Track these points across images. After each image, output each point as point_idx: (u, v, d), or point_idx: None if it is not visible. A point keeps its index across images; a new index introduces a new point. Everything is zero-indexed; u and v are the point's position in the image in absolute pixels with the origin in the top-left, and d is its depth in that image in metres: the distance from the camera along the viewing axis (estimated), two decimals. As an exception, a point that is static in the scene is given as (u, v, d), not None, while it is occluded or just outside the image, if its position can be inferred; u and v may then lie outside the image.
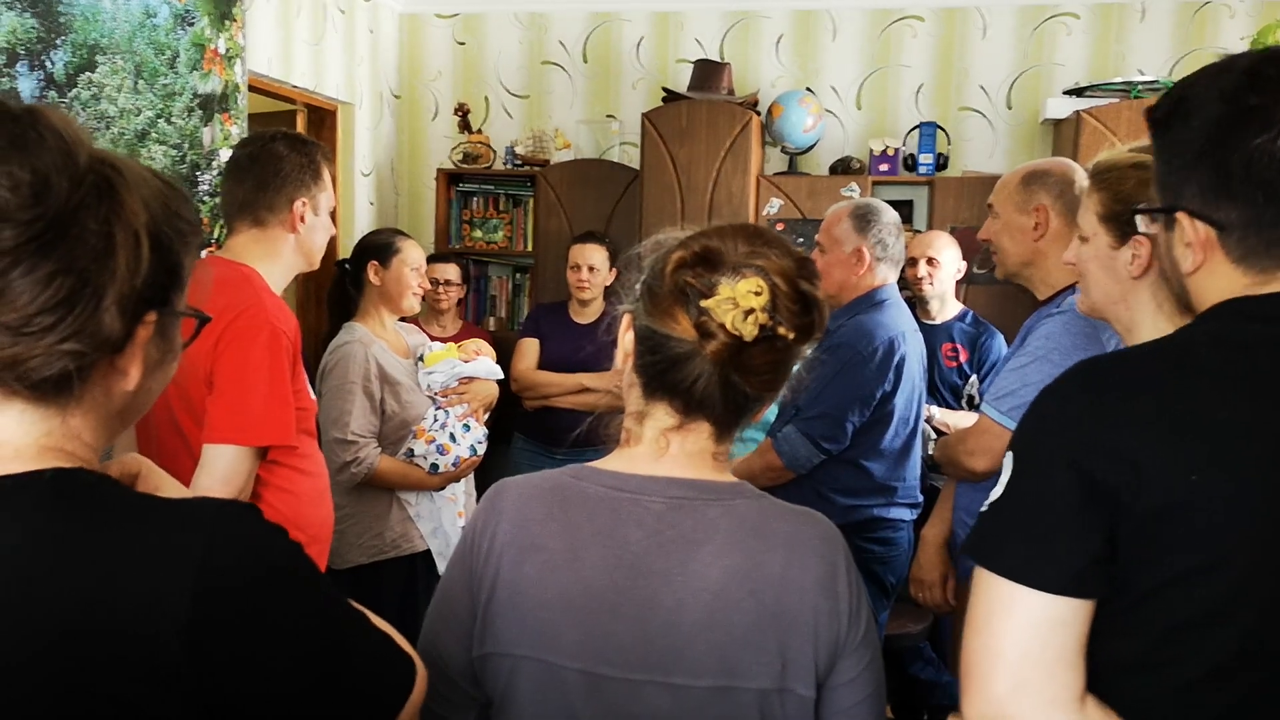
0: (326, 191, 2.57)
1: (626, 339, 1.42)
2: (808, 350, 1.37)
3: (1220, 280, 1.25)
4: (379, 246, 3.58)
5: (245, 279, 2.37)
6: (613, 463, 1.44)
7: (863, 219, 3.20)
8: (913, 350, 3.19)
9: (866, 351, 3.09)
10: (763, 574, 1.33)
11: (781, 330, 1.31)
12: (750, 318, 1.28)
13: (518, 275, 5.78)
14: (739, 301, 1.28)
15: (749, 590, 1.32)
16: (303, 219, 2.50)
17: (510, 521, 1.39)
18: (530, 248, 5.59)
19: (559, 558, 1.36)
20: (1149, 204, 1.81)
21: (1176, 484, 1.13)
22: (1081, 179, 2.60)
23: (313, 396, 2.54)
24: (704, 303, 1.30)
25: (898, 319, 3.20)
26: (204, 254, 2.58)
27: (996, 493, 1.24)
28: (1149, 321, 1.80)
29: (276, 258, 2.49)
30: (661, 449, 1.39)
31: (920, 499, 3.36)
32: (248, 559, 1.04)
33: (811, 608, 1.33)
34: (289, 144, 2.53)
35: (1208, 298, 1.28)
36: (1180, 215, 1.26)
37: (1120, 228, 1.86)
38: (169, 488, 1.22)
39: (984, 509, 1.26)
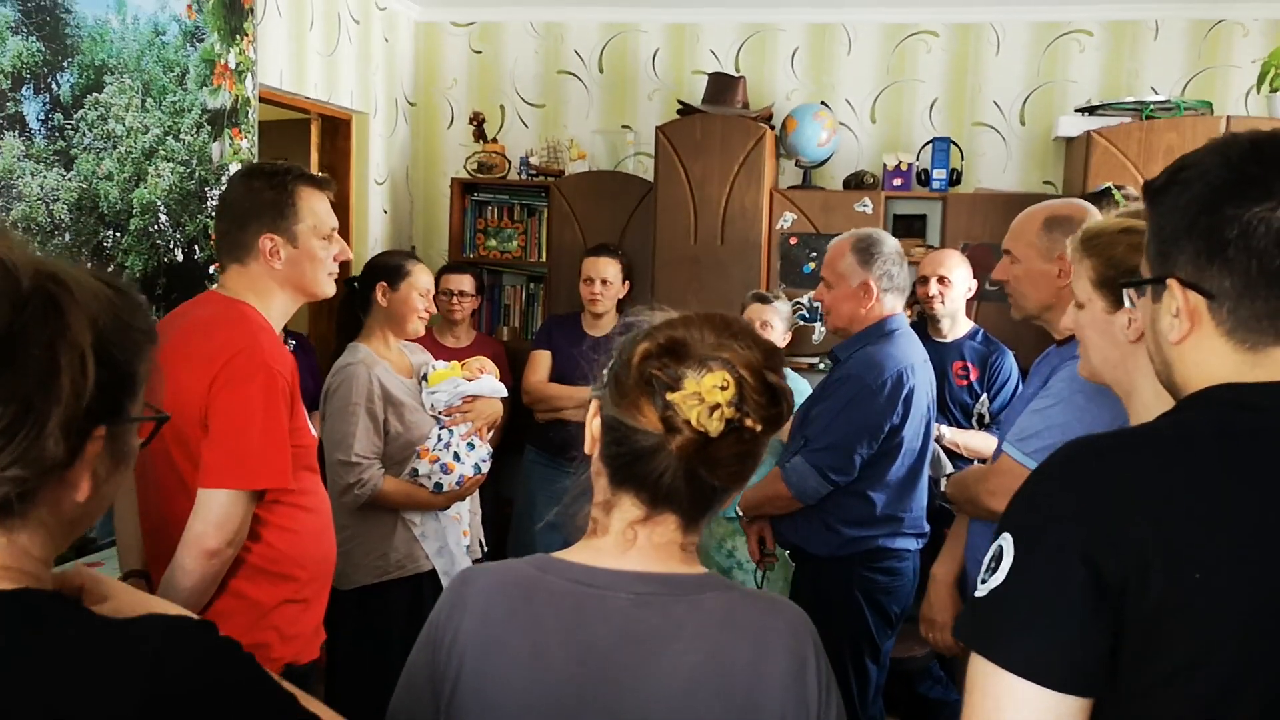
0: (306, 220, 2.44)
1: (594, 425, 1.41)
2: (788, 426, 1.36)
3: (1209, 353, 1.23)
4: (389, 268, 3.58)
5: (242, 317, 2.35)
6: (579, 554, 1.42)
7: (866, 252, 3.19)
8: (922, 382, 3.18)
9: (875, 384, 3.08)
10: (730, 671, 1.32)
11: (749, 423, 1.30)
12: (716, 413, 1.27)
13: (531, 285, 5.77)
14: (704, 397, 1.27)
15: (716, 690, 1.31)
16: (275, 254, 2.41)
17: (474, 616, 1.38)
18: (544, 258, 5.59)
19: (522, 655, 1.34)
20: (1137, 277, 1.80)
21: (1182, 581, 1.11)
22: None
23: (314, 433, 2.52)
24: (670, 396, 1.29)
25: (908, 350, 3.19)
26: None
27: (998, 578, 1.19)
28: (1148, 385, 1.77)
29: (267, 293, 2.44)
30: (629, 541, 1.38)
31: (927, 529, 3.34)
32: (194, 682, 1.02)
33: (779, 702, 1.31)
34: (256, 178, 2.45)
35: (1194, 372, 1.26)
36: (1171, 282, 1.24)
37: (1114, 293, 1.84)
38: (116, 595, 1.20)
39: (982, 593, 1.21)
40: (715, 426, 1.27)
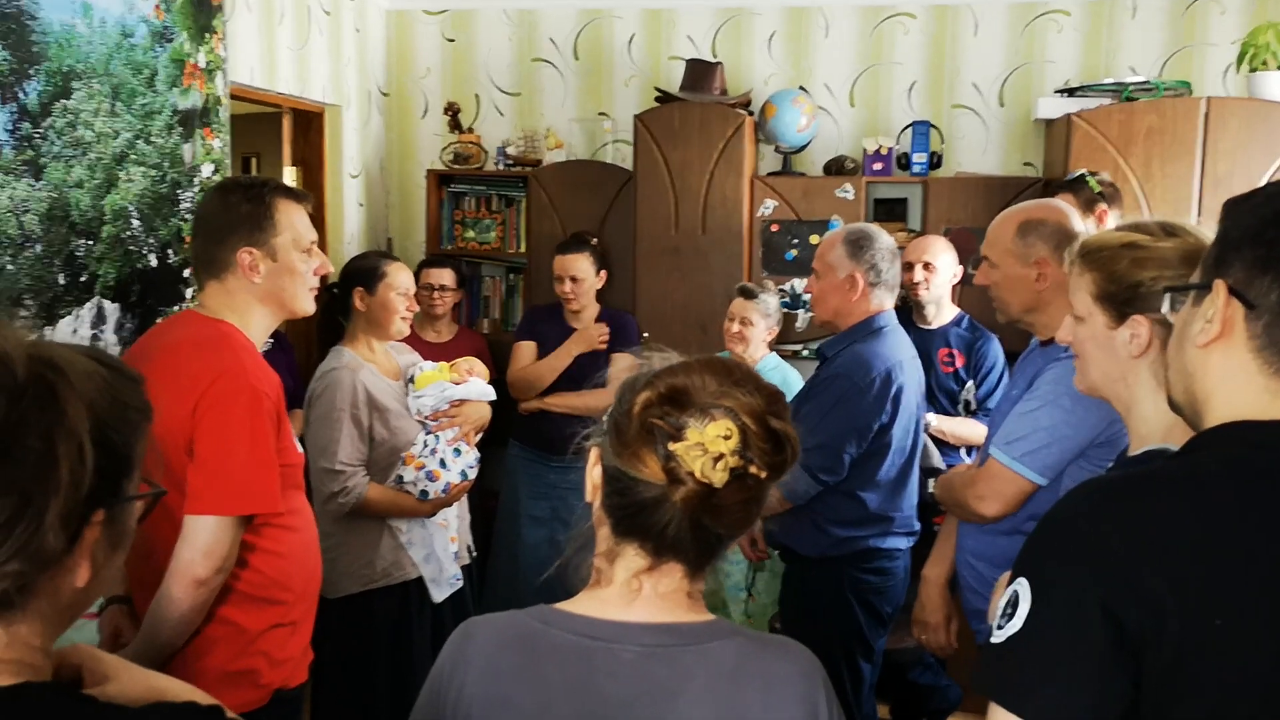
0: (285, 234, 2.40)
1: (595, 473, 1.38)
2: (785, 477, 1.33)
3: (1233, 367, 1.22)
4: (365, 272, 3.52)
5: (223, 337, 2.30)
6: (583, 606, 1.39)
7: (855, 245, 3.16)
8: (910, 380, 3.16)
9: (864, 383, 3.06)
10: None
11: (753, 469, 1.27)
12: (720, 463, 1.24)
13: (511, 276, 5.72)
14: (708, 447, 1.24)
15: None
16: (254, 268, 2.37)
17: (477, 672, 1.35)
18: (523, 249, 5.53)
19: (529, 713, 1.31)
20: (1144, 292, 1.77)
21: (1201, 628, 1.09)
22: (1074, 223, 2.56)
23: (300, 450, 2.48)
24: (672, 446, 1.26)
25: (896, 348, 3.17)
26: (180, 307, 2.51)
27: (1015, 625, 1.17)
28: (1149, 400, 1.75)
29: (247, 310, 2.38)
30: (634, 591, 1.35)
31: (917, 527, 3.32)
32: None
33: None
34: (232, 192, 2.40)
35: (1216, 385, 1.24)
36: (1218, 283, 1.22)
37: (1117, 307, 1.80)
38: (117, 675, 1.16)
39: (999, 639, 1.19)
40: (720, 477, 1.25)
